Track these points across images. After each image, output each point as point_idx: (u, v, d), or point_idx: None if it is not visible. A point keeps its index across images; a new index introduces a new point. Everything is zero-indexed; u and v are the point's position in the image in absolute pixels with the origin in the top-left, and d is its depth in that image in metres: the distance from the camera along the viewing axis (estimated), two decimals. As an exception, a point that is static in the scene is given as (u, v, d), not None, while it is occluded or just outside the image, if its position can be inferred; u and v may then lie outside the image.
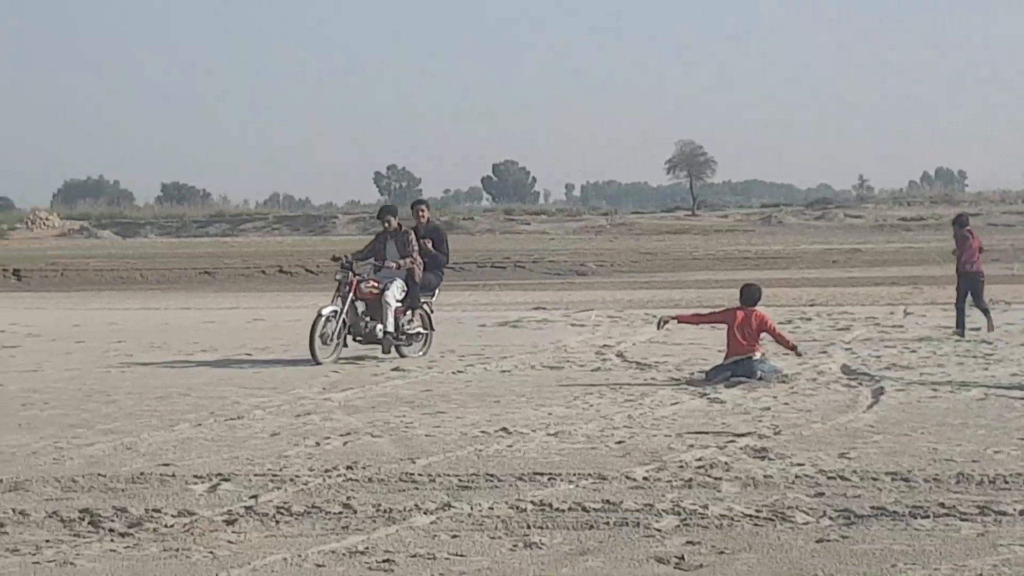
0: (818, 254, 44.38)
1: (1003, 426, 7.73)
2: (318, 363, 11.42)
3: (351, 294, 11.91)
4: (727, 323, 10.55)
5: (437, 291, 13.30)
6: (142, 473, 6.26)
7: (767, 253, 45.84)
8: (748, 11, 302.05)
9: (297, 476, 6.12)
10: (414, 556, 4.21)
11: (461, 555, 4.23)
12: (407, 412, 8.86)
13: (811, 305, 20.70)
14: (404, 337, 12.39)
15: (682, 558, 4.12)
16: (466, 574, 3.97)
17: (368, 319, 12.12)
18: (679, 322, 11.91)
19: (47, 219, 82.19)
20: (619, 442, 7.28)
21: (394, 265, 12.34)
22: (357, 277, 12.16)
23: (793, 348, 10.59)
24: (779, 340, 10.61)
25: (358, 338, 12.17)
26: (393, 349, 12.26)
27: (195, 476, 6.16)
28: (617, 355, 12.85)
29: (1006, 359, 11.84)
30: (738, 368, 10.07)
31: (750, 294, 10.65)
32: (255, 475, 6.18)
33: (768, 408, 8.80)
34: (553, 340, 14.62)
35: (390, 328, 12.08)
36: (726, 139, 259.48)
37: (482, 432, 7.73)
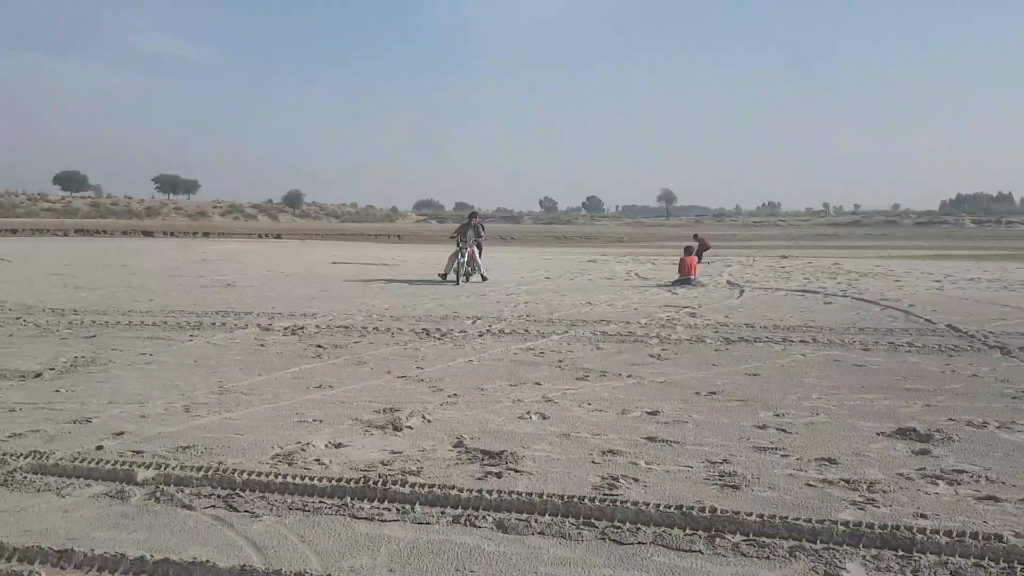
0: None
1: (793, 306, 14.41)
2: (457, 284, 19.06)
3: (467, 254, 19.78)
4: (680, 262, 20.01)
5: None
6: (445, 316, 12.64)
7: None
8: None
9: (505, 319, 12.22)
10: (553, 351, 9.84)
11: (570, 351, 9.84)
12: (551, 296, 15.86)
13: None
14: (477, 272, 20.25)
15: (659, 356, 9.54)
16: (570, 357, 9.48)
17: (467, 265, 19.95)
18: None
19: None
20: (635, 308, 13.95)
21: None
22: (470, 248, 19.91)
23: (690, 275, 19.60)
24: (692, 269, 19.62)
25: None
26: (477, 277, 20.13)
27: (467, 316, 12.52)
28: (636, 275, 22.78)
29: (795, 277, 21.20)
30: (684, 282, 19.21)
31: (688, 249, 20.67)
32: (491, 317, 12.46)
33: (696, 297, 16.53)
34: (608, 268, 25.91)
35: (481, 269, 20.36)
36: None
37: (581, 302, 14.57)
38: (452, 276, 19.35)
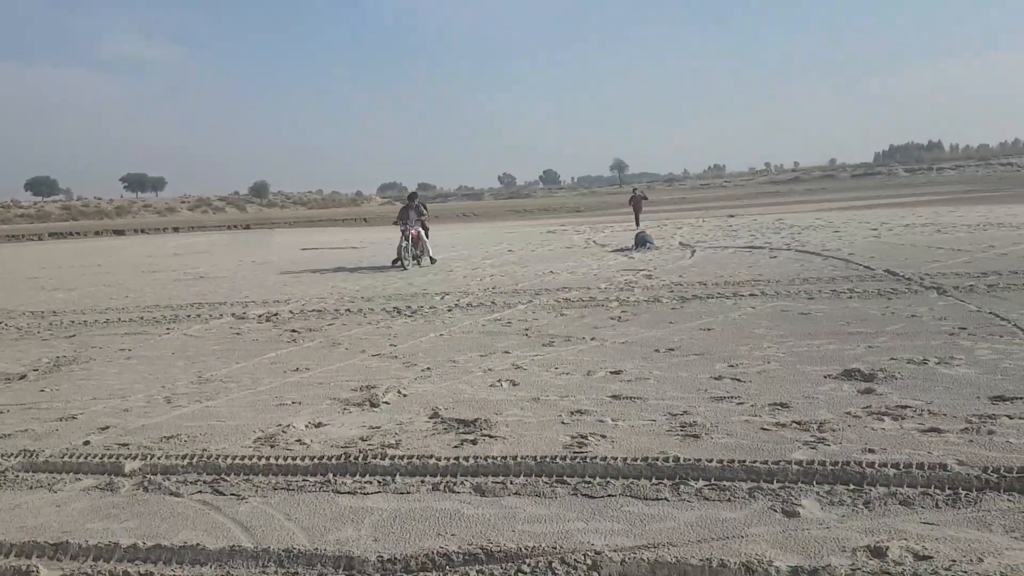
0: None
1: (741, 262, 14.52)
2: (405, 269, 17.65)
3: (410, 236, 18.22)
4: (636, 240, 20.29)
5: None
6: (414, 294, 12.56)
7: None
8: None
9: (472, 292, 12.19)
10: (519, 320, 9.84)
11: (535, 319, 9.86)
12: (514, 268, 15.71)
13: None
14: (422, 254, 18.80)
15: (619, 318, 9.59)
16: (536, 325, 9.49)
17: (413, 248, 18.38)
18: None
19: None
20: (595, 274, 13.97)
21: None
22: (414, 230, 18.40)
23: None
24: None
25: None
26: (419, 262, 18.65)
27: (435, 293, 12.45)
28: (594, 242, 23.13)
29: (742, 235, 21.19)
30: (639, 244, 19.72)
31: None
32: (458, 292, 12.38)
33: (651, 260, 16.59)
34: (567, 238, 25.96)
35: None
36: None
37: (543, 272, 14.52)
38: (404, 260, 18.04)
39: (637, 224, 27.06)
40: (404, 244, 17.89)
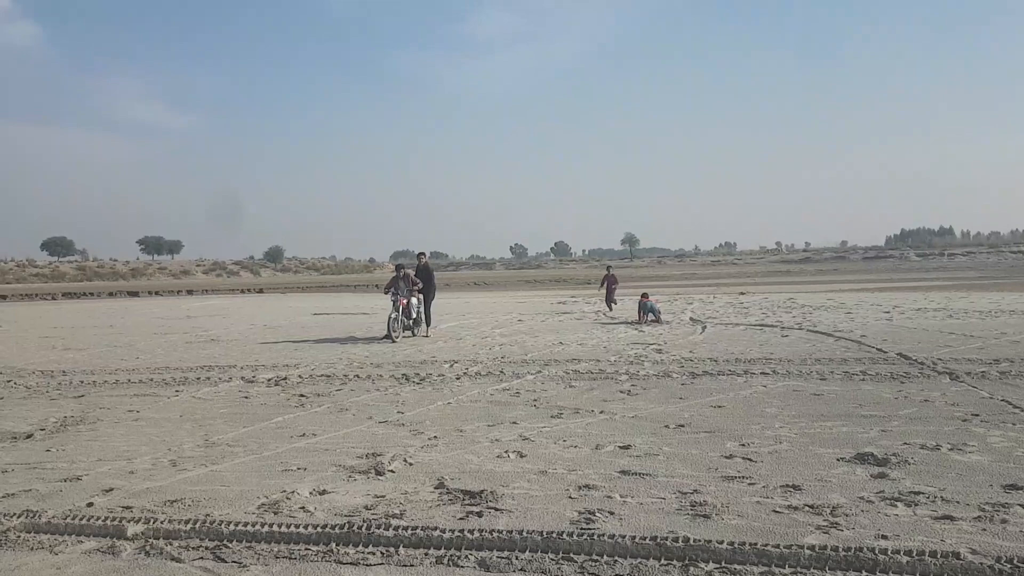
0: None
1: (753, 340, 14.38)
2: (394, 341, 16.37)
3: (400, 306, 17.04)
4: (640, 306, 19.97)
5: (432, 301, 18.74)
6: (423, 361, 12.53)
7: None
8: None
9: (481, 361, 12.16)
10: (528, 391, 9.79)
11: (544, 390, 9.80)
12: (524, 338, 15.68)
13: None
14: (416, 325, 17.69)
15: (628, 391, 9.53)
16: (545, 396, 9.44)
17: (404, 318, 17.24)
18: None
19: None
20: (605, 346, 13.90)
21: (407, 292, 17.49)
22: (403, 298, 17.16)
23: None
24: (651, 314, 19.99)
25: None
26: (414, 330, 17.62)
27: (444, 360, 12.40)
28: (604, 314, 23.14)
29: (753, 313, 21.04)
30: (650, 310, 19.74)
31: (644, 298, 20.34)
32: (467, 360, 12.35)
33: (662, 334, 16.66)
34: (576, 308, 26.76)
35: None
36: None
37: (553, 342, 14.50)
38: (392, 331, 16.50)
39: (610, 307, 24.10)
40: (393, 315, 16.76)
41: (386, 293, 17.62)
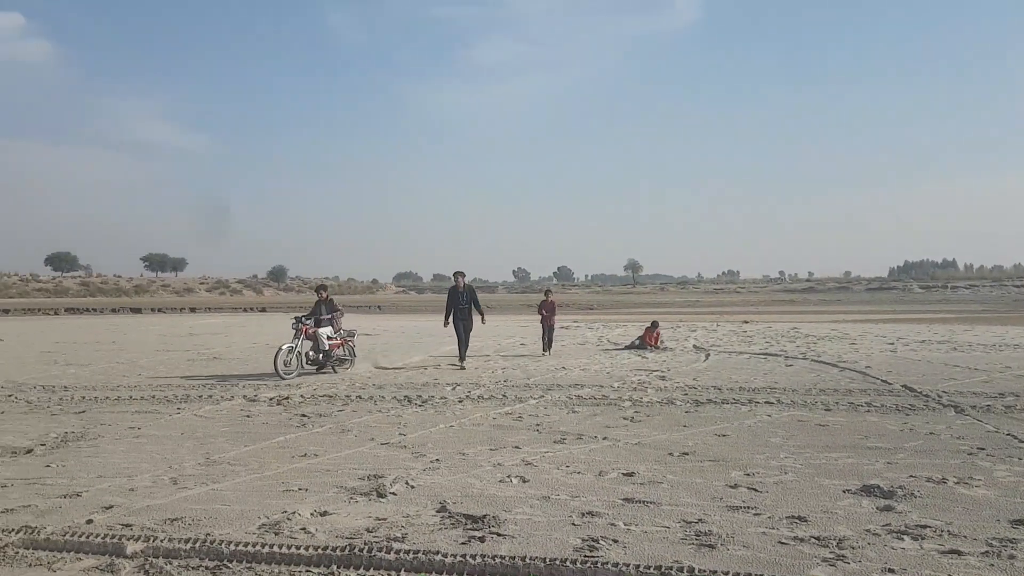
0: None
1: (757, 369, 14.36)
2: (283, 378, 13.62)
3: (302, 335, 14.64)
4: (647, 334, 20.17)
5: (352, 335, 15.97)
6: (425, 383, 12.48)
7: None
8: None
9: (484, 384, 12.13)
10: (531, 415, 9.75)
11: (547, 415, 9.75)
12: (527, 362, 15.73)
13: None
14: (334, 360, 15.00)
15: (632, 418, 9.48)
16: (548, 421, 9.40)
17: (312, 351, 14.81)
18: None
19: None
20: (608, 372, 13.84)
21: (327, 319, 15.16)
22: (306, 325, 14.74)
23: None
24: (655, 340, 20.00)
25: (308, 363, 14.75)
26: (330, 367, 14.91)
27: (446, 383, 12.39)
28: (607, 340, 23.28)
29: (757, 341, 21.25)
30: (645, 348, 19.51)
31: (653, 323, 20.78)
32: (470, 383, 12.33)
33: (665, 360, 16.66)
34: (580, 334, 26.51)
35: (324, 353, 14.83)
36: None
37: (555, 367, 14.51)
38: (281, 367, 13.62)
39: (547, 344, 18.33)
40: (287, 347, 14.05)
41: (298, 321, 14.79)
